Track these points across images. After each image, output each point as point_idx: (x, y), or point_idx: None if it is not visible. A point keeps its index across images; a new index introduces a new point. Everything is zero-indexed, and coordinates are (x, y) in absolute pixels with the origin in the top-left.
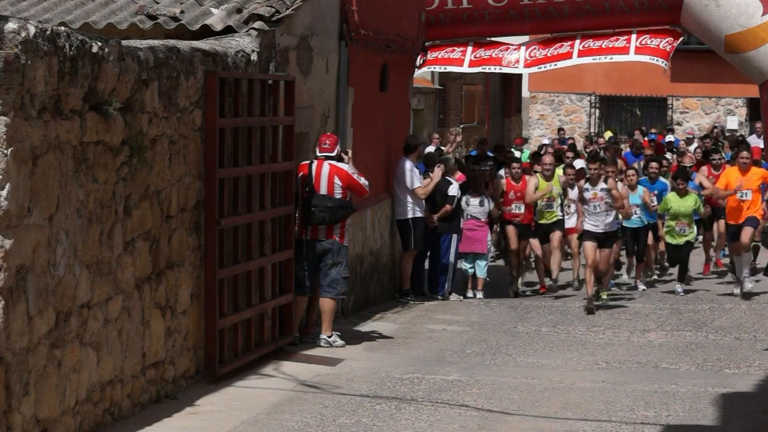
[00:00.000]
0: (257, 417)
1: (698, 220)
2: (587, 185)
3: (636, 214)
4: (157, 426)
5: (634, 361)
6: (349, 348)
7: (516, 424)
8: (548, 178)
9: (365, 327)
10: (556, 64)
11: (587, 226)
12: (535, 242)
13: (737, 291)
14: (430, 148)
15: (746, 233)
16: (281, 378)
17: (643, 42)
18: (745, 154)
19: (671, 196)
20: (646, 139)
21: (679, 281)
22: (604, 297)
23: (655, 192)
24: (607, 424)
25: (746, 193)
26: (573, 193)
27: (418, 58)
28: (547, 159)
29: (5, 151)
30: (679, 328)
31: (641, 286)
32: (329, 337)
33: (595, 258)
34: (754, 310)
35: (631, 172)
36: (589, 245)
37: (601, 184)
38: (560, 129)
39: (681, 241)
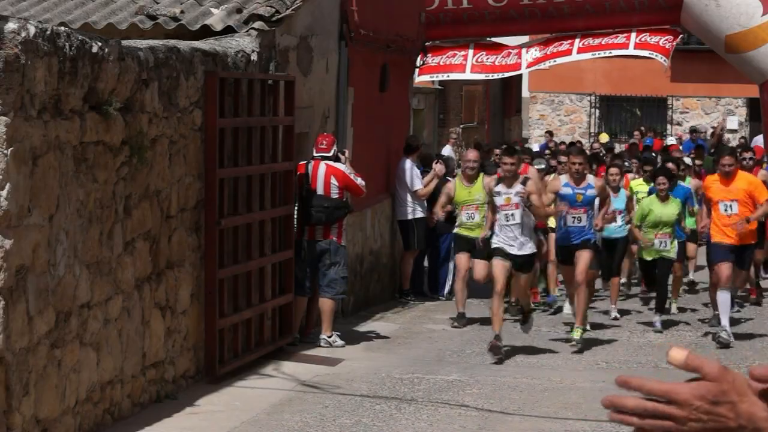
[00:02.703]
0: (257, 417)
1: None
2: (498, 188)
3: (616, 221)
4: (157, 426)
5: (634, 361)
6: (349, 348)
7: (516, 424)
8: (470, 179)
9: (365, 327)
10: (555, 61)
11: (496, 242)
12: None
13: (721, 334)
14: (447, 149)
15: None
16: (281, 378)
17: (642, 39)
18: (727, 160)
19: (650, 201)
20: (641, 142)
21: (657, 311)
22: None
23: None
24: (607, 424)
25: (731, 206)
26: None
27: (419, 59)
28: (471, 155)
29: (5, 151)
30: (679, 328)
31: (614, 313)
32: (329, 337)
33: (504, 283)
34: (754, 310)
35: (614, 170)
36: (498, 265)
37: (518, 186)
38: (548, 132)
39: (656, 256)
